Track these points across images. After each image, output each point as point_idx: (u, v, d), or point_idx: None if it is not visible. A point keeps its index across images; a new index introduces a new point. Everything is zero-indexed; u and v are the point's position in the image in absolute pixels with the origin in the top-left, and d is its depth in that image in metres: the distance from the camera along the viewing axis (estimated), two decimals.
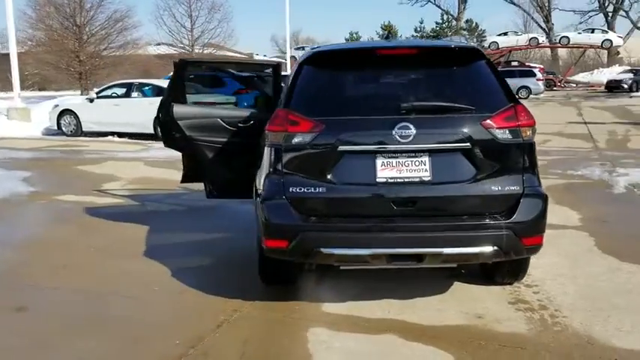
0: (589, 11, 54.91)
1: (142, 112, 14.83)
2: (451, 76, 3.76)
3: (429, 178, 3.48)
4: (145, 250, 5.33)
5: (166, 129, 5.23)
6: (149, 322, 3.86)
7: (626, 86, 34.04)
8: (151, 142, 14.34)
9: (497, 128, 3.50)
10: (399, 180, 3.49)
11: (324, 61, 3.84)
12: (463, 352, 3.35)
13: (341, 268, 3.93)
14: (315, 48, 4.05)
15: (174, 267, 4.80)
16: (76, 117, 16.23)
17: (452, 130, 3.49)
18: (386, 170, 3.50)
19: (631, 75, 35.91)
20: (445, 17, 53.59)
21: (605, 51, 46.06)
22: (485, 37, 49.32)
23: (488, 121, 3.49)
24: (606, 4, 54.74)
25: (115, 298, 4.27)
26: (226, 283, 4.45)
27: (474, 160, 3.50)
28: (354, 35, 57.29)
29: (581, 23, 52.87)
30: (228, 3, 58.69)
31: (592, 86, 40.71)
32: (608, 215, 6.45)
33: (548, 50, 53.98)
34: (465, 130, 3.48)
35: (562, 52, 55.67)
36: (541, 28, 53.81)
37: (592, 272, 4.60)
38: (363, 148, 3.51)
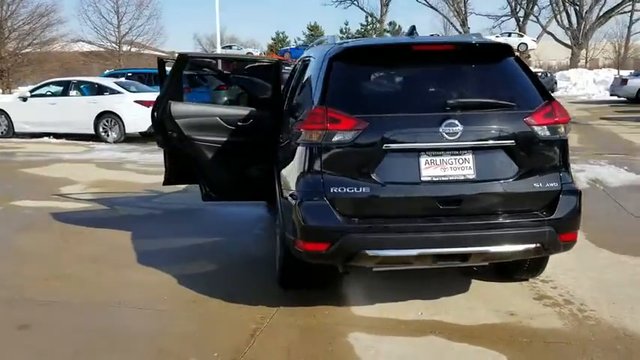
0: (502, 16, 57.53)
1: (82, 111, 14.17)
2: (488, 72, 3.73)
3: (473, 176, 3.44)
4: (138, 257, 5.02)
5: (162, 128, 4.95)
6: (174, 334, 3.62)
7: None
8: (92, 143, 13.68)
9: (537, 125, 3.50)
10: (443, 178, 3.43)
11: (356, 57, 3.72)
12: (513, 350, 3.34)
13: (374, 270, 3.83)
14: (342, 43, 3.92)
15: (177, 275, 4.55)
16: (7, 117, 15.22)
17: (496, 127, 3.46)
18: (430, 169, 3.42)
19: (542, 77, 37.49)
20: (369, 19, 54.58)
21: (519, 53, 48.13)
22: None
23: (529, 118, 3.49)
24: (517, 10, 57.46)
25: (124, 309, 3.99)
26: (240, 289, 4.25)
27: (516, 158, 3.49)
28: (281, 35, 57.28)
29: (494, 27, 55.27)
30: None
31: None
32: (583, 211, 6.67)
33: None
34: (508, 126, 3.46)
35: None
36: (457, 31, 55.63)
37: (598, 265, 4.72)
38: (409, 146, 3.41)
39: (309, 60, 4.31)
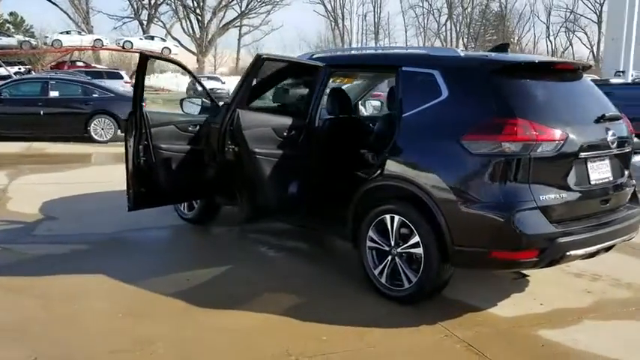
0: (124, 17, 57.59)
1: None
2: (595, 88, 4.36)
3: (611, 178, 4.04)
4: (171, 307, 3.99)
5: (222, 142, 4.04)
6: None
7: None
8: None
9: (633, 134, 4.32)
10: (600, 181, 3.94)
11: (520, 72, 3.89)
12: None
13: None
14: (517, 59, 4.08)
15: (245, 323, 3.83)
16: None
17: (624, 136, 4.13)
18: (594, 173, 3.89)
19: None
20: None
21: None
22: (32, 32, 46.29)
23: (629, 127, 4.28)
24: (140, 12, 58.33)
25: None
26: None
27: (624, 161, 4.22)
28: None
29: (115, 28, 55.19)
30: None
31: (156, 90, 42.90)
32: None
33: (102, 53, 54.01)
34: (626, 134, 4.18)
35: (105, 54, 56.51)
36: (81, 29, 53.36)
37: None
38: (597, 153, 3.83)
39: (434, 72, 4.03)
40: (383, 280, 4.13)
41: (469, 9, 69.89)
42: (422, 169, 3.91)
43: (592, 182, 3.88)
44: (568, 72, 4.19)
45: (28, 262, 4.80)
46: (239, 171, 4.22)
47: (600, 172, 3.94)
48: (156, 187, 4.77)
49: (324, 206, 4.73)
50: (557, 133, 3.63)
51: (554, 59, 4.47)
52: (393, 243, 4.06)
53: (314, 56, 4.94)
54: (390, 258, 4.08)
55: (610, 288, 4.55)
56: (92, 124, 13.23)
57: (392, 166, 4.07)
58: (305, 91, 4.66)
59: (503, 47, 4.40)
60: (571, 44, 68.65)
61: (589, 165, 3.86)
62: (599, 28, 62.41)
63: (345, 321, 3.79)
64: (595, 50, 63.96)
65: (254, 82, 4.24)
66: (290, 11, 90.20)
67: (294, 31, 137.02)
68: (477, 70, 3.88)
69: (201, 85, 5.29)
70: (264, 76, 4.53)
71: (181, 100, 5.40)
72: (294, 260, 5.07)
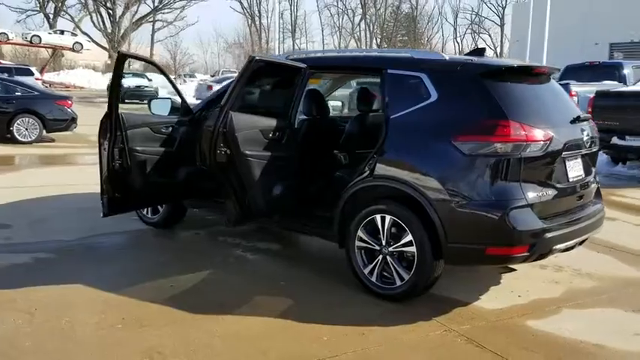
0: (28, 10, 54.68)
1: None
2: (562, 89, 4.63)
3: (583, 176, 4.32)
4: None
5: (215, 144, 3.96)
6: None
7: None
8: None
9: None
10: (576, 179, 4.20)
11: (505, 76, 4.05)
12: None
13: None
14: (501, 63, 4.24)
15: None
16: None
17: (596, 136, 4.42)
18: (571, 171, 4.15)
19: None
20: None
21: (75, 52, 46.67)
22: None
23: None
24: (46, 5, 55.52)
25: None
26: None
27: (592, 159, 4.52)
28: None
29: (19, 22, 52.31)
30: None
31: (67, 86, 41.04)
32: None
33: None
34: (595, 134, 4.47)
35: (7, 49, 53.47)
36: None
37: None
38: (574, 152, 4.08)
39: (421, 75, 4.15)
40: (373, 279, 4.21)
41: (382, 10, 71.47)
42: (415, 170, 4.01)
43: (570, 180, 4.13)
44: (543, 75, 4.43)
45: None
46: (230, 173, 4.16)
47: (576, 170, 4.21)
48: (131, 191, 4.62)
49: (309, 208, 4.75)
50: (544, 134, 3.84)
51: (534, 63, 4.71)
52: (384, 242, 4.14)
53: (289, 57, 4.94)
54: (380, 257, 4.17)
55: (574, 278, 4.86)
56: (15, 124, 12.49)
57: (382, 167, 4.15)
58: (287, 92, 4.65)
59: (479, 52, 4.59)
60: (477, 46, 71.77)
61: (567, 163, 4.11)
62: (502, 30, 65.98)
63: (342, 320, 3.85)
64: (498, 51, 67.28)
65: (246, 84, 4.18)
66: (206, 7, 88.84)
67: (211, 27, 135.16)
68: (466, 74, 4.03)
69: (175, 87, 5.16)
70: (253, 78, 4.47)
71: (149, 100, 5.25)
72: (272, 262, 5.07)
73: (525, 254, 3.79)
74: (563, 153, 4.03)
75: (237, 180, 4.18)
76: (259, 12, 68.99)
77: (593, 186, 4.54)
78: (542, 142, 3.83)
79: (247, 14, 68.98)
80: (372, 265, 4.22)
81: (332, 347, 3.49)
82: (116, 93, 4.37)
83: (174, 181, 4.87)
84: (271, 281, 4.56)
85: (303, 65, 4.61)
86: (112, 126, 4.39)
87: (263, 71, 4.43)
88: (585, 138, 4.24)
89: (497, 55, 65.87)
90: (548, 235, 3.83)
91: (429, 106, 4.05)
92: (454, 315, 4.02)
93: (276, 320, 3.83)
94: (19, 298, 4.00)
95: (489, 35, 70.03)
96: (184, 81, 43.76)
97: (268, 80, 4.82)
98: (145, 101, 5.05)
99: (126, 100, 25.41)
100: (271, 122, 4.42)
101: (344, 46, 69.58)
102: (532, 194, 3.81)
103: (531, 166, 3.85)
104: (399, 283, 4.10)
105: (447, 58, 4.27)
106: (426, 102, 4.06)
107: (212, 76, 43.35)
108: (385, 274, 4.19)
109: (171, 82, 5.15)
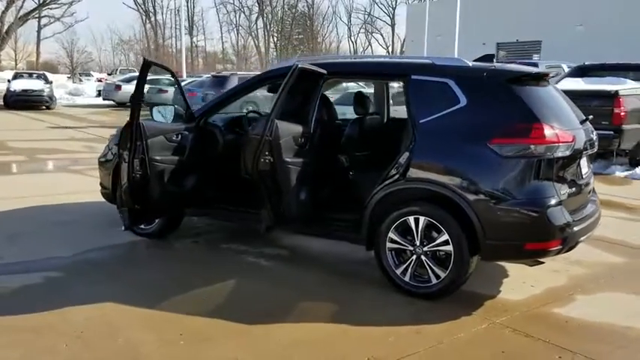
0: None
1: None
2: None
3: (589, 173, 4.70)
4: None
5: (257, 155, 3.92)
6: None
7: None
8: None
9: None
10: (585, 175, 4.56)
11: (528, 81, 4.32)
12: None
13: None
14: (523, 69, 4.48)
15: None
16: None
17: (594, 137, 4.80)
18: (583, 168, 4.51)
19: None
20: None
21: None
22: None
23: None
24: None
25: None
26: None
27: (592, 157, 4.91)
28: None
29: None
30: None
31: None
32: None
33: None
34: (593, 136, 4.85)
35: None
36: None
37: None
38: (586, 151, 4.42)
39: (448, 81, 4.32)
40: (407, 279, 4.35)
41: (278, 8, 71.72)
42: (451, 172, 4.19)
43: (583, 177, 4.49)
44: (548, 80, 4.76)
45: (7, 297, 4.19)
46: (268, 180, 4.13)
47: (585, 167, 4.57)
48: (151, 202, 4.45)
49: (332, 212, 4.79)
50: (571, 135, 4.16)
51: (545, 70, 5.05)
52: (417, 242, 4.29)
53: (312, 63, 4.93)
54: (414, 257, 4.31)
55: (569, 266, 5.24)
56: None
57: (416, 170, 4.29)
58: (309, 98, 4.65)
59: (489, 58, 4.84)
60: (370, 44, 74.08)
61: (580, 161, 4.46)
62: (393, 30, 68.52)
63: (391, 321, 3.95)
64: (390, 50, 69.74)
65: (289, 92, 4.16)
66: (97, 3, 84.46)
67: (104, 23, 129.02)
68: (494, 79, 4.26)
69: (182, 93, 5.00)
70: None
71: (151, 107, 5.05)
72: (288, 267, 5.06)
73: (559, 247, 4.08)
74: (583, 152, 4.38)
75: (275, 186, 4.16)
76: (154, 8, 66.91)
77: (593, 182, 4.94)
78: (569, 143, 4.15)
79: (141, 10, 66.66)
80: (404, 265, 4.35)
81: (402, 347, 3.57)
82: (139, 101, 4.20)
83: (186, 189, 4.75)
84: (300, 286, 4.58)
85: (323, 71, 4.64)
86: (132, 135, 4.22)
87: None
88: (595, 138, 4.62)
89: (389, 54, 68.24)
90: (575, 228, 4.15)
91: (459, 111, 4.23)
92: (488, 308, 4.24)
93: (331, 325, 3.88)
94: (56, 322, 3.75)
95: (381, 35, 72.42)
96: (80, 80, 41.61)
97: (297, 87, 4.82)
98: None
99: None
100: (299, 128, 4.43)
101: (242, 44, 69.18)
102: (562, 191, 4.12)
103: (560, 165, 4.15)
104: (435, 281, 4.26)
105: (471, 64, 4.48)
106: (456, 107, 4.25)
107: (109, 74, 41.47)
108: (417, 273, 4.33)
109: (180, 88, 5.00)
